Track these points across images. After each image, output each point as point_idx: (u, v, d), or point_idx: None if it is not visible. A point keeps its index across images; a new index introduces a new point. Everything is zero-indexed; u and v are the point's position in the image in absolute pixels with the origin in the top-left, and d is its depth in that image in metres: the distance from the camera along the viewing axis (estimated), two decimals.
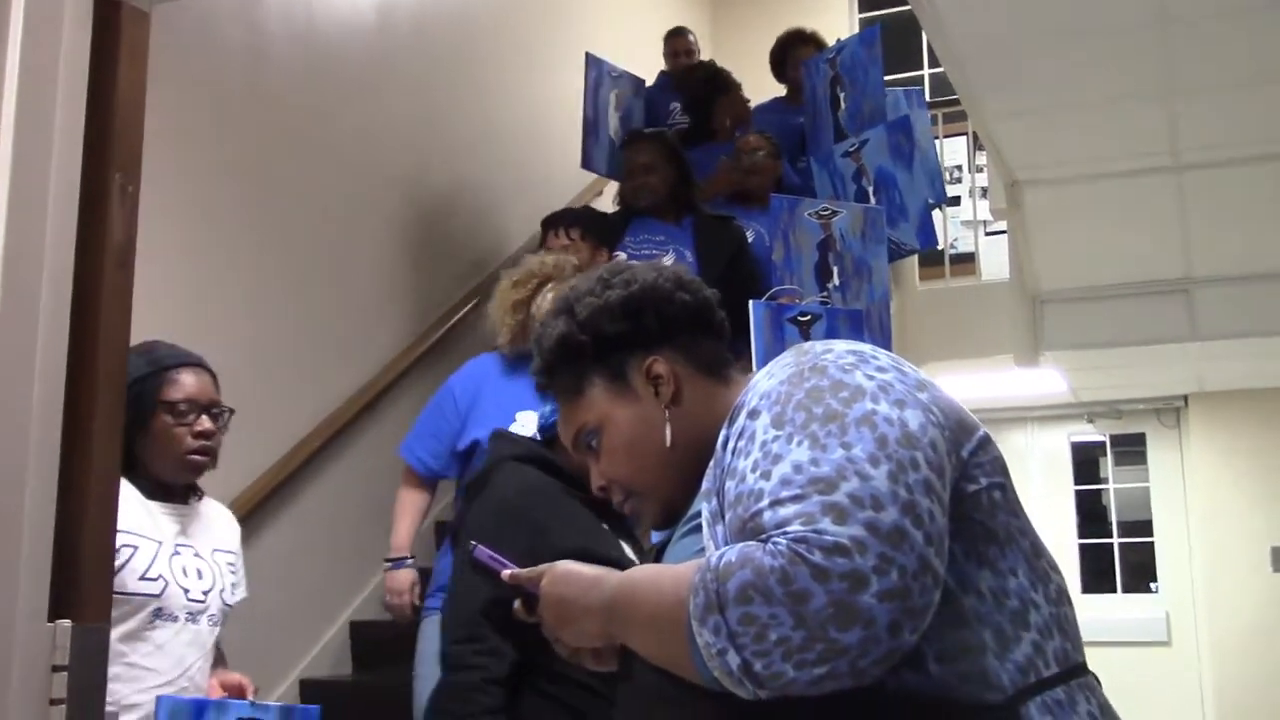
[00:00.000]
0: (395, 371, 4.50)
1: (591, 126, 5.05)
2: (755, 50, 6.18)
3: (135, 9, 1.44)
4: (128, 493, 2.33)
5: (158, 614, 2.26)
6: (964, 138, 7.01)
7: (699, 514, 1.24)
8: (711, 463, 1.23)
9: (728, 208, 4.62)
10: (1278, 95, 3.99)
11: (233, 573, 2.48)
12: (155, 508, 2.36)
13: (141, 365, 2.36)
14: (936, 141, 6.01)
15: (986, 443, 1.21)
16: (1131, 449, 8.24)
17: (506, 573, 1.32)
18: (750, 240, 4.30)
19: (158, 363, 2.38)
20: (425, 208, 4.91)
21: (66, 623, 1.27)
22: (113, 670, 2.17)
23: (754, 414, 1.17)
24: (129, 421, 2.32)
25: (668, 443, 1.34)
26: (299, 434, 4.03)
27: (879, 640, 1.00)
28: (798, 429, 1.11)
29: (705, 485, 1.24)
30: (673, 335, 1.40)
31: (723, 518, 1.17)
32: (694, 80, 5.70)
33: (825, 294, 3.94)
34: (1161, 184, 4.69)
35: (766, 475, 1.10)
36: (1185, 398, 7.87)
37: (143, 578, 2.25)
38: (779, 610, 1.01)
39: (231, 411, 2.46)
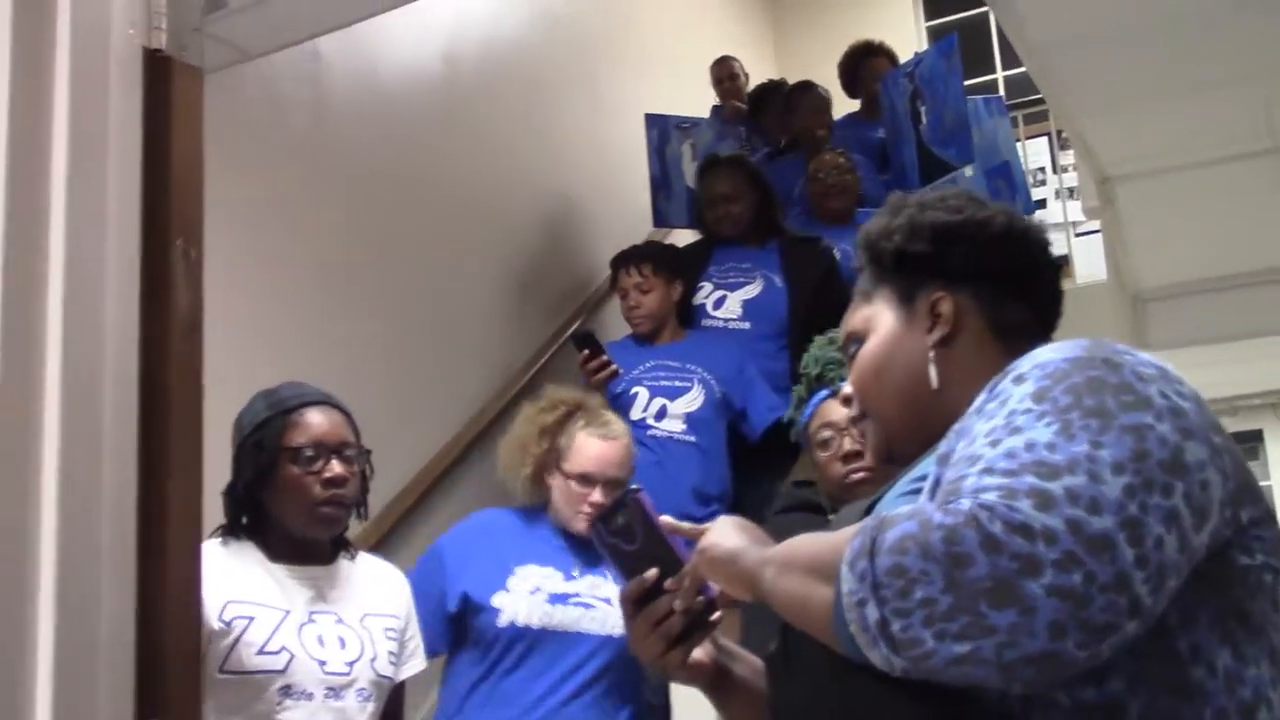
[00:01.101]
0: (485, 420, 4.38)
1: (660, 183, 4.98)
2: (821, 65, 6.08)
3: (187, 65, 1.36)
4: (246, 557, 2.10)
5: (286, 692, 1.99)
6: (1045, 139, 6.82)
7: (925, 476, 1.11)
8: (956, 424, 1.10)
9: (813, 227, 4.49)
10: None
11: (392, 639, 2.18)
12: (282, 572, 2.09)
13: (262, 409, 2.11)
14: (1019, 145, 5.87)
15: (1271, 520, 1.06)
16: (1248, 445, 7.91)
17: (665, 518, 1.31)
18: (838, 260, 4.17)
19: (279, 405, 2.11)
20: (503, 253, 4.85)
21: None
22: None
23: (1019, 379, 1.04)
24: (253, 474, 2.08)
25: (934, 383, 1.23)
26: (389, 494, 3.94)
27: (1034, 634, 0.87)
28: (1056, 411, 0.97)
29: (942, 448, 1.10)
30: (976, 280, 1.27)
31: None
32: (774, 96, 5.67)
33: None
34: (1260, 168, 4.49)
35: (995, 444, 0.97)
36: None
37: (261, 651, 1.98)
38: (932, 568, 0.89)
39: (369, 452, 2.18)
